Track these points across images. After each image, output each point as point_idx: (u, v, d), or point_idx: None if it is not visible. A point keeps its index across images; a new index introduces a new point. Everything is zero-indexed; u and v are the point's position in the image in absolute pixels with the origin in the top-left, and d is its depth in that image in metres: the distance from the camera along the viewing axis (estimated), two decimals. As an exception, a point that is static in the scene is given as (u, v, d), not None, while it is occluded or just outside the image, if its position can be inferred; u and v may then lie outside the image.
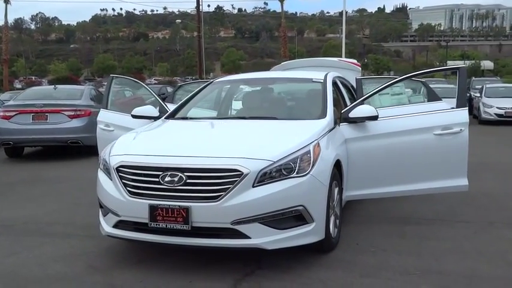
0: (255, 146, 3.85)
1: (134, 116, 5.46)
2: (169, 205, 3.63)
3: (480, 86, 20.46)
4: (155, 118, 5.35)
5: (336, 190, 4.32)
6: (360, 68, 7.48)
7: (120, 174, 3.87)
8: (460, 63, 72.86)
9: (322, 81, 5.30)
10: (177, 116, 5.20)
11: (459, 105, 4.82)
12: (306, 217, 3.73)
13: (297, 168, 3.72)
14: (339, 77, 5.82)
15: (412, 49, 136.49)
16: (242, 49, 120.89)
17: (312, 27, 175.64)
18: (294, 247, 3.77)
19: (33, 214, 5.79)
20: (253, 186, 3.59)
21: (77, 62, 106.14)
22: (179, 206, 3.61)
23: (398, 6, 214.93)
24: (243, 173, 3.56)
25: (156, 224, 3.68)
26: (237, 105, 5.55)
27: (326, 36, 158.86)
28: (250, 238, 3.60)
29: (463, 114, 4.78)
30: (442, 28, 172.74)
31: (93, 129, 10.81)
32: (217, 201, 3.56)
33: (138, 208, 3.74)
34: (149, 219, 3.69)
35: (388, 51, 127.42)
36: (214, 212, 3.57)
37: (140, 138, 4.43)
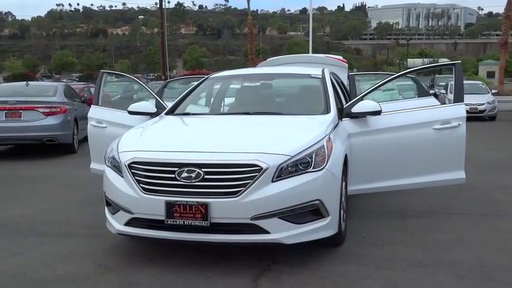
0: (271, 141, 3.84)
1: (131, 112, 5.36)
2: (187, 201, 3.58)
3: (444, 83, 21.10)
4: (152, 114, 5.27)
5: (343, 184, 4.37)
6: (347, 65, 7.56)
7: (132, 171, 3.78)
8: (419, 61, 74.89)
9: (320, 76, 5.35)
10: (177, 111, 5.14)
11: (456, 100, 4.95)
12: (322, 211, 3.75)
13: (313, 162, 3.74)
14: (332, 73, 5.88)
15: (372, 47, 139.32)
16: (204, 46, 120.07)
17: (274, 24, 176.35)
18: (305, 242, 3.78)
19: (23, 214, 5.59)
20: (272, 181, 3.58)
21: (33, 58, 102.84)
22: (197, 202, 3.56)
23: (357, 5, 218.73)
24: (262, 168, 3.55)
25: (173, 221, 3.62)
26: (237, 100, 5.51)
27: (288, 34, 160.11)
28: (269, 233, 3.60)
29: (461, 108, 4.91)
30: (400, 27, 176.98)
31: (68, 127, 10.69)
32: (236, 196, 3.54)
33: (154, 205, 3.67)
34: (165, 216, 3.63)
35: (348, 49, 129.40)
36: (234, 207, 3.54)
37: (149, 134, 4.34)
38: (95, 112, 5.91)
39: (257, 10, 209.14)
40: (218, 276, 3.67)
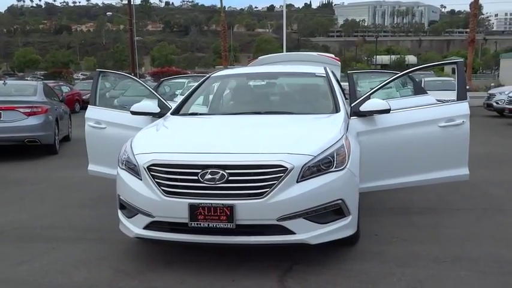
0: (293, 141, 3.82)
1: (133, 113, 5.25)
2: (211, 203, 3.53)
3: (417, 80, 21.50)
4: (155, 114, 5.18)
5: None
6: (340, 63, 7.60)
7: (152, 173, 3.70)
8: (386, 58, 76.15)
9: (324, 75, 5.37)
10: (182, 112, 5.06)
11: (460, 98, 5.04)
12: (344, 211, 3.76)
13: (335, 162, 3.74)
14: (331, 72, 5.90)
15: (339, 44, 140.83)
16: (172, 43, 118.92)
17: (241, 21, 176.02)
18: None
19: (20, 218, 5.41)
20: (297, 182, 3.56)
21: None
22: (223, 204, 3.51)
23: (324, 2, 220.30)
24: (287, 169, 3.53)
25: (197, 224, 3.56)
26: (244, 99, 5.46)
27: (256, 31, 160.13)
28: (295, 234, 3.58)
29: (464, 106, 5.00)
30: (366, 24, 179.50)
31: (50, 127, 10.40)
32: (262, 198, 3.50)
33: (176, 208, 3.60)
34: (189, 219, 3.57)
35: (316, 46, 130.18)
36: (260, 209, 3.51)
37: (164, 135, 4.27)
38: (92, 112, 5.75)
39: (225, 7, 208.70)
40: (243, 279, 3.63)
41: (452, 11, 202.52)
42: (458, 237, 4.51)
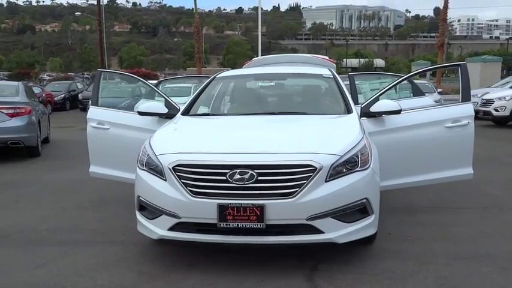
0: (319, 141, 3.84)
1: (141, 113, 5.17)
2: (241, 204, 3.51)
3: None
4: (162, 115, 5.12)
5: None
6: (334, 65, 7.68)
7: (177, 174, 3.65)
8: (355, 61, 77.24)
9: (331, 76, 5.42)
10: (192, 112, 5.02)
11: (464, 100, 5.17)
12: (368, 209, 3.81)
13: (359, 162, 3.78)
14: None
15: (308, 47, 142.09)
16: (139, 44, 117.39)
17: (210, 23, 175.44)
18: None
19: (23, 222, 5.25)
20: (326, 181, 3.59)
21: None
22: (253, 204, 3.50)
23: (292, 5, 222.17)
24: (316, 168, 3.55)
25: (226, 224, 3.54)
26: (254, 100, 5.45)
27: (225, 33, 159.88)
28: (323, 233, 3.60)
29: (469, 107, 5.13)
30: (334, 27, 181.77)
31: (34, 129, 10.13)
32: (292, 197, 3.51)
33: (204, 208, 3.57)
34: (218, 220, 3.54)
35: (285, 48, 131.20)
36: (290, 208, 3.52)
37: (185, 135, 4.22)
38: (95, 113, 5.62)
39: (193, 8, 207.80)
40: (272, 279, 3.63)
41: (416, 16, 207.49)
42: (469, 234, 4.62)
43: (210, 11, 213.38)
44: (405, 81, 6.97)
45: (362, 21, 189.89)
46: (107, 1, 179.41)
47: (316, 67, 6.28)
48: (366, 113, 4.93)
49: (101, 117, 5.57)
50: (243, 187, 3.53)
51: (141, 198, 3.96)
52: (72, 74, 64.89)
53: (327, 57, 7.87)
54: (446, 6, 30.26)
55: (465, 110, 5.12)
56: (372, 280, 3.60)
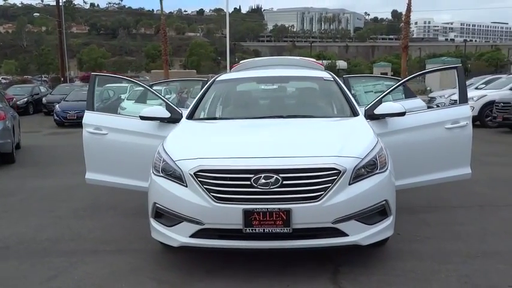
0: (338, 144, 3.85)
1: (143, 118, 5.05)
2: (267, 208, 3.49)
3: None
4: (165, 120, 5.03)
5: None
6: (323, 67, 7.74)
7: (199, 179, 3.59)
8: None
9: (332, 79, 5.45)
10: (196, 116, 4.95)
11: (461, 101, 5.29)
12: (387, 211, 3.85)
13: (378, 164, 3.82)
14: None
15: (270, 49, 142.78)
16: (99, 46, 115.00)
17: (171, 25, 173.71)
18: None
19: (18, 232, 5.07)
20: (349, 184, 3.61)
21: None
22: (279, 208, 3.48)
23: (253, 7, 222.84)
24: (340, 171, 3.56)
25: (252, 229, 3.51)
26: (260, 103, 5.42)
27: (186, 35, 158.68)
28: (348, 236, 3.61)
29: (467, 109, 5.26)
30: (295, 29, 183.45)
31: (9, 135, 9.77)
32: (318, 201, 3.51)
33: (229, 214, 3.52)
34: (243, 225, 3.51)
35: (247, 50, 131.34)
36: (316, 212, 3.51)
37: (202, 140, 4.16)
38: (91, 118, 5.45)
39: (153, 10, 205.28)
40: (297, 283, 3.62)
41: (375, 19, 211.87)
42: (474, 233, 4.74)
43: (170, 12, 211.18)
44: (396, 83, 7.11)
45: (323, 24, 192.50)
46: (64, 2, 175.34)
47: (311, 70, 6.31)
48: (369, 115, 4.97)
49: (97, 123, 5.41)
50: (269, 192, 3.50)
51: (158, 205, 3.87)
52: (29, 77, 62.95)
53: (314, 60, 7.93)
54: (409, 9, 30.90)
55: (463, 111, 5.25)
56: (396, 281, 3.64)
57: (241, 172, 3.55)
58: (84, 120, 5.46)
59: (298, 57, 8.10)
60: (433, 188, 6.21)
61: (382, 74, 57.96)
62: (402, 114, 4.91)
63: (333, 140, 3.99)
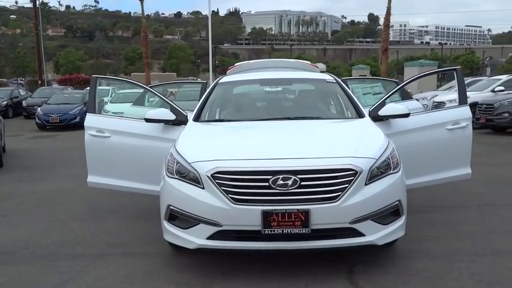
0: (353, 144, 3.89)
1: (148, 120, 5.02)
2: (286, 209, 3.50)
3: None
4: (170, 122, 5.02)
5: None
6: (318, 69, 7.79)
7: (217, 181, 3.59)
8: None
9: (334, 81, 5.51)
10: (202, 119, 4.94)
11: (461, 102, 5.40)
12: (400, 211, 3.90)
13: (391, 164, 3.87)
14: None
15: (248, 52, 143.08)
16: (76, 49, 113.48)
17: (149, 28, 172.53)
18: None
19: (23, 237, 4.98)
20: (365, 185, 3.65)
21: None
22: (297, 209, 3.50)
23: (231, 10, 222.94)
24: (357, 172, 3.60)
25: (271, 231, 3.52)
26: (265, 105, 5.43)
27: (164, 38, 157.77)
28: (364, 236, 3.65)
29: (467, 110, 5.36)
30: (273, 32, 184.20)
31: (-2, 138, 9.53)
32: (336, 201, 3.54)
33: (248, 215, 3.53)
34: (262, 226, 3.52)
35: (226, 53, 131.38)
36: (334, 212, 3.54)
37: (216, 141, 4.15)
38: (93, 120, 5.39)
39: (130, 12, 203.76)
40: (315, 284, 3.64)
41: (352, 22, 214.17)
42: (478, 232, 4.84)
43: (148, 15, 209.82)
44: (394, 85, 7.22)
45: (300, 27, 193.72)
46: (39, 3, 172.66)
47: (311, 72, 6.35)
48: (374, 117, 5.03)
49: (100, 125, 5.35)
50: (287, 193, 3.52)
51: (172, 207, 3.85)
52: (5, 80, 61.72)
53: (309, 62, 7.97)
54: (389, 13, 31.33)
55: (463, 112, 5.35)
56: (412, 280, 3.69)
57: (259, 173, 3.56)
58: (86, 123, 5.40)
59: (293, 60, 8.16)
60: (431, 188, 6.30)
61: (360, 76, 58.82)
62: (406, 115, 4.98)
63: (347, 141, 4.04)
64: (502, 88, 15.83)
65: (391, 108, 5.01)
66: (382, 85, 7.32)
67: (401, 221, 3.92)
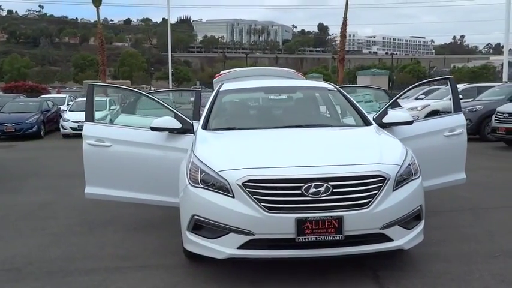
0: (375, 151, 3.96)
1: (154, 129, 4.92)
2: (319, 217, 3.51)
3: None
4: (176, 130, 4.94)
5: None
6: (304, 77, 7.89)
7: (248, 190, 3.55)
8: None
9: (335, 89, 5.59)
10: (211, 127, 4.88)
11: (456, 110, 5.60)
12: (421, 215, 4.00)
13: (413, 170, 3.97)
14: None
15: (200, 60, 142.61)
16: (21, 56, 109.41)
17: (97, 34, 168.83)
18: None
19: (22, 253, 4.73)
20: (393, 190, 3.72)
21: None
22: (331, 216, 3.52)
23: (182, 18, 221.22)
24: (386, 178, 3.67)
25: (305, 238, 3.52)
26: (273, 113, 5.42)
27: (113, 45, 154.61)
28: (393, 241, 3.71)
29: (461, 117, 5.58)
30: (225, 41, 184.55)
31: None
32: (367, 207, 3.59)
33: (281, 223, 3.51)
34: (296, 234, 3.51)
35: (178, 61, 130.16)
36: (366, 218, 3.58)
37: (241, 150, 4.10)
38: (91, 129, 5.22)
39: (77, 18, 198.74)
40: (345, 290, 3.66)
41: (302, 31, 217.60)
42: (481, 234, 5.02)
43: (95, 21, 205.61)
44: (383, 93, 7.41)
45: (252, 35, 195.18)
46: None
47: (312, 81, 6.43)
48: (378, 124, 5.13)
49: (99, 134, 5.19)
50: (320, 200, 3.54)
51: (197, 217, 3.77)
52: None
53: (294, 71, 8.05)
54: (345, 23, 32.20)
55: (458, 119, 5.57)
56: (438, 283, 3.78)
57: (292, 181, 3.56)
58: (85, 132, 5.23)
59: (280, 68, 8.21)
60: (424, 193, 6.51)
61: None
62: (410, 122, 5.12)
63: (371, 148, 4.10)
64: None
65: (395, 115, 5.14)
66: (372, 94, 7.50)
67: (422, 225, 4.02)
